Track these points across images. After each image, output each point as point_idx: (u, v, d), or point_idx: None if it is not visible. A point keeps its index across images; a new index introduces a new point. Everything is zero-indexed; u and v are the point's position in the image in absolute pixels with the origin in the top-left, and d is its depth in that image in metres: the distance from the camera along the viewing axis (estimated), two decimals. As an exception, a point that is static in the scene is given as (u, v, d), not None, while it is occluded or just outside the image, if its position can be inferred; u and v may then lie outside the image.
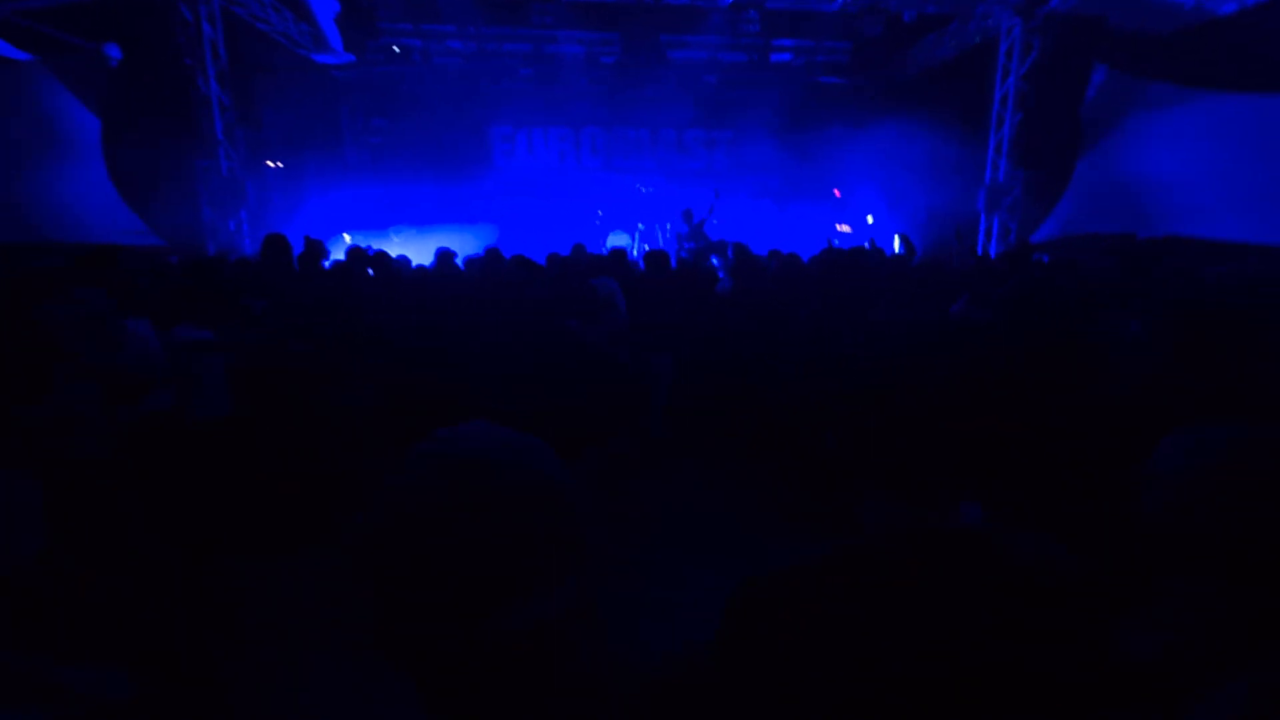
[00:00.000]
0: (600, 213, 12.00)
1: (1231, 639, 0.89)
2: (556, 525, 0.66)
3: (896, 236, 7.86)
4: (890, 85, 11.97)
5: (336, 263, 5.63)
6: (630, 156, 13.22)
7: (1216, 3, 7.41)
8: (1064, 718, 0.80)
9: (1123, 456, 1.10)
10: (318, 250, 5.80)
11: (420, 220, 11.45)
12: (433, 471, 0.65)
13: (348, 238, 9.45)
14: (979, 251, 9.52)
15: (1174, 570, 0.96)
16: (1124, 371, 1.81)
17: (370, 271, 5.24)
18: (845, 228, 11.92)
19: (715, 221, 10.36)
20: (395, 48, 11.19)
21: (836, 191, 12.58)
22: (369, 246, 5.90)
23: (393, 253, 5.85)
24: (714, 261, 6.67)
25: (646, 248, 10.53)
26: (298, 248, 5.54)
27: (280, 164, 10.55)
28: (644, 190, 11.91)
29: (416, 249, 8.21)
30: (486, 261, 5.49)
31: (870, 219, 11.72)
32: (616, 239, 11.38)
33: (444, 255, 5.85)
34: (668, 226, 11.26)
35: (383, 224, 11.06)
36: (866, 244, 7.95)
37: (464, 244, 7.63)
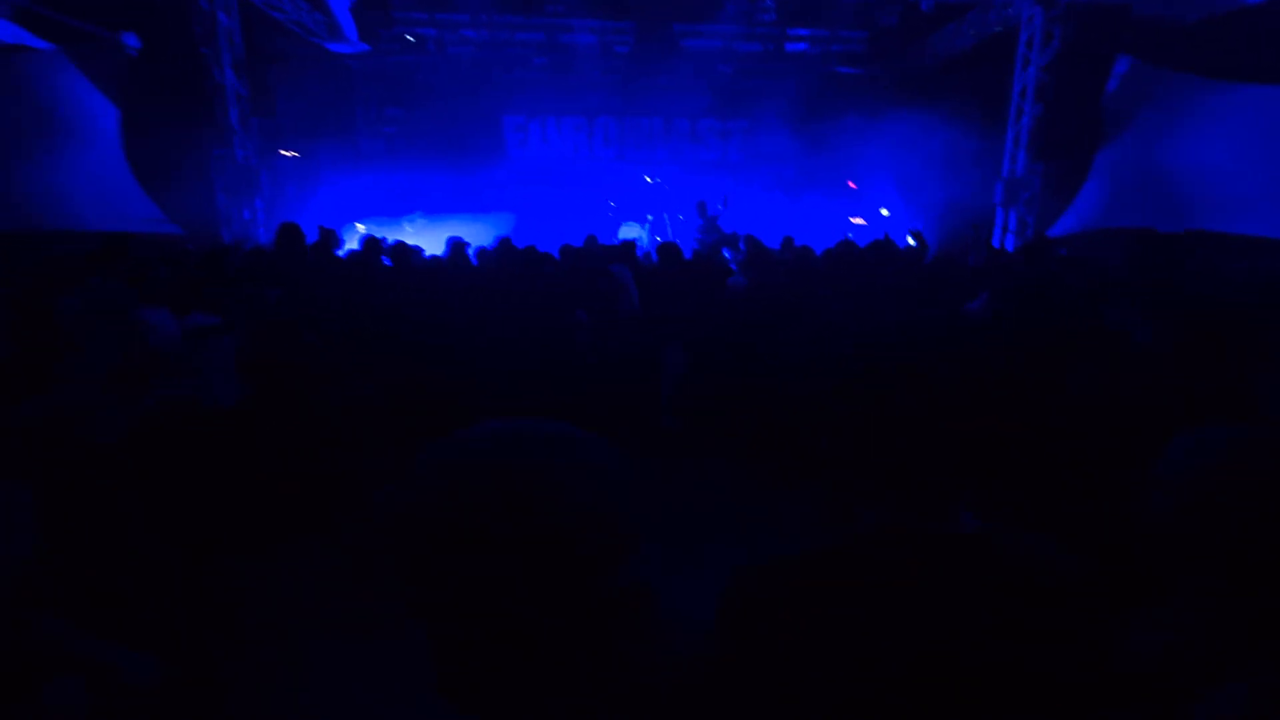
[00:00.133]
0: (613, 203, 11.97)
1: (1232, 639, 0.89)
2: (626, 503, 0.72)
3: (909, 234, 7.77)
4: (907, 76, 11.78)
5: (353, 252, 5.66)
6: (644, 147, 13.14)
7: (1245, -10, 7.23)
8: (1064, 718, 0.80)
9: (1123, 457, 1.09)
10: (330, 239, 5.85)
11: (434, 209, 11.44)
12: (523, 449, 0.69)
13: (361, 227, 9.48)
14: (995, 245, 9.38)
15: (1175, 571, 0.96)
16: (1125, 370, 1.78)
17: (387, 261, 5.26)
18: (860, 220, 11.79)
19: (726, 210, 10.29)
20: (409, 37, 11.20)
21: (851, 184, 12.44)
22: (384, 238, 5.92)
23: (408, 243, 5.87)
24: (726, 254, 6.64)
25: (657, 239, 10.49)
26: (311, 236, 5.59)
27: (295, 153, 10.61)
28: (651, 181, 11.83)
29: (430, 238, 8.22)
30: (498, 253, 5.50)
31: (885, 212, 11.58)
32: (628, 230, 11.34)
33: (456, 245, 5.86)
34: (680, 217, 11.20)
35: (396, 213, 11.07)
36: (882, 238, 7.85)
37: (477, 233, 7.62)
